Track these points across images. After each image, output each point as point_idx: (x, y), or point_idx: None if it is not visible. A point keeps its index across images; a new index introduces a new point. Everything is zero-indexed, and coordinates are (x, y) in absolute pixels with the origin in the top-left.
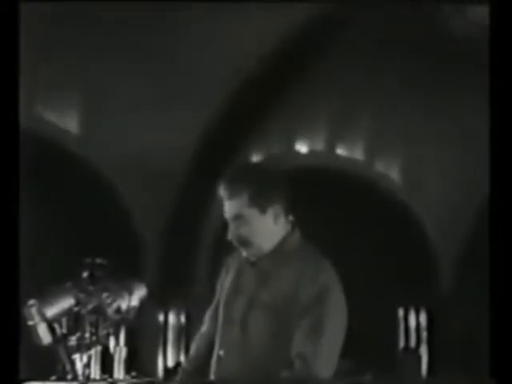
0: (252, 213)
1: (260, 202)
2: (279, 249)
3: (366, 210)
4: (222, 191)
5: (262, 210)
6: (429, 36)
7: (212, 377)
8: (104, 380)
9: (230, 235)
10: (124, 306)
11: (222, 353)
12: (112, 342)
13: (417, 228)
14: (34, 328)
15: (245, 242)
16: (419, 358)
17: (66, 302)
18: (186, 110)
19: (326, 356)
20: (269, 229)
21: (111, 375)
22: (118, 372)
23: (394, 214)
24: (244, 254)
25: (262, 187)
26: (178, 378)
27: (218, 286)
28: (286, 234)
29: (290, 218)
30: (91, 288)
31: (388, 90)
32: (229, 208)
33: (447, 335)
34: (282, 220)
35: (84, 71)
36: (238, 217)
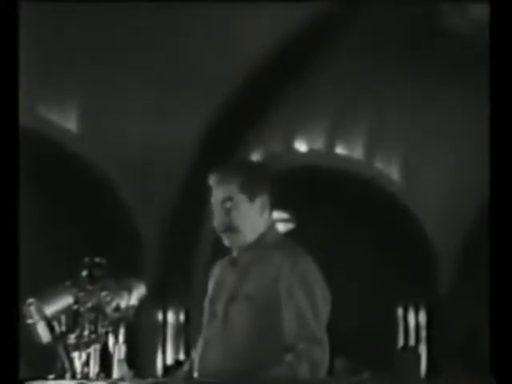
0: (241, 199)
1: (249, 189)
2: (259, 243)
3: (366, 209)
4: (212, 178)
5: (251, 198)
6: (429, 35)
7: (195, 370)
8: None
9: (217, 221)
10: (123, 304)
11: (204, 347)
12: (111, 340)
13: (416, 226)
14: (33, 326)
15: (231, 228)
16: (418, 357)
17: (65, 301)
18: (186, 110)
19: (321, 331)
20: (254, 219)
21: (110, 373)
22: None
23: (393, 213)
24: (227, 242)
25: (252, 176)
26: (177, 375)
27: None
28: (266, 229)
29: (272, 215)
30: (90, 287)
31: (388, 88)
32: (218, 193)
33: (447, 334)
34: (266, 214)
35: (84, 71)
36: (227, 199)
